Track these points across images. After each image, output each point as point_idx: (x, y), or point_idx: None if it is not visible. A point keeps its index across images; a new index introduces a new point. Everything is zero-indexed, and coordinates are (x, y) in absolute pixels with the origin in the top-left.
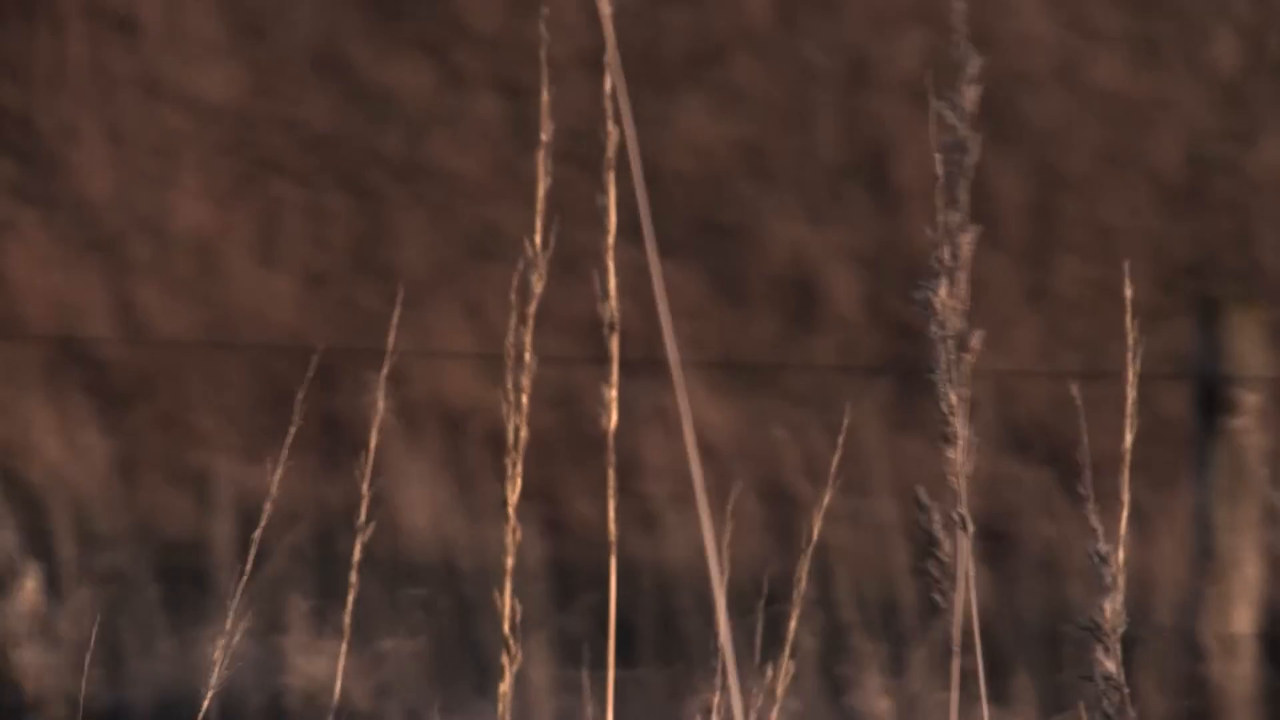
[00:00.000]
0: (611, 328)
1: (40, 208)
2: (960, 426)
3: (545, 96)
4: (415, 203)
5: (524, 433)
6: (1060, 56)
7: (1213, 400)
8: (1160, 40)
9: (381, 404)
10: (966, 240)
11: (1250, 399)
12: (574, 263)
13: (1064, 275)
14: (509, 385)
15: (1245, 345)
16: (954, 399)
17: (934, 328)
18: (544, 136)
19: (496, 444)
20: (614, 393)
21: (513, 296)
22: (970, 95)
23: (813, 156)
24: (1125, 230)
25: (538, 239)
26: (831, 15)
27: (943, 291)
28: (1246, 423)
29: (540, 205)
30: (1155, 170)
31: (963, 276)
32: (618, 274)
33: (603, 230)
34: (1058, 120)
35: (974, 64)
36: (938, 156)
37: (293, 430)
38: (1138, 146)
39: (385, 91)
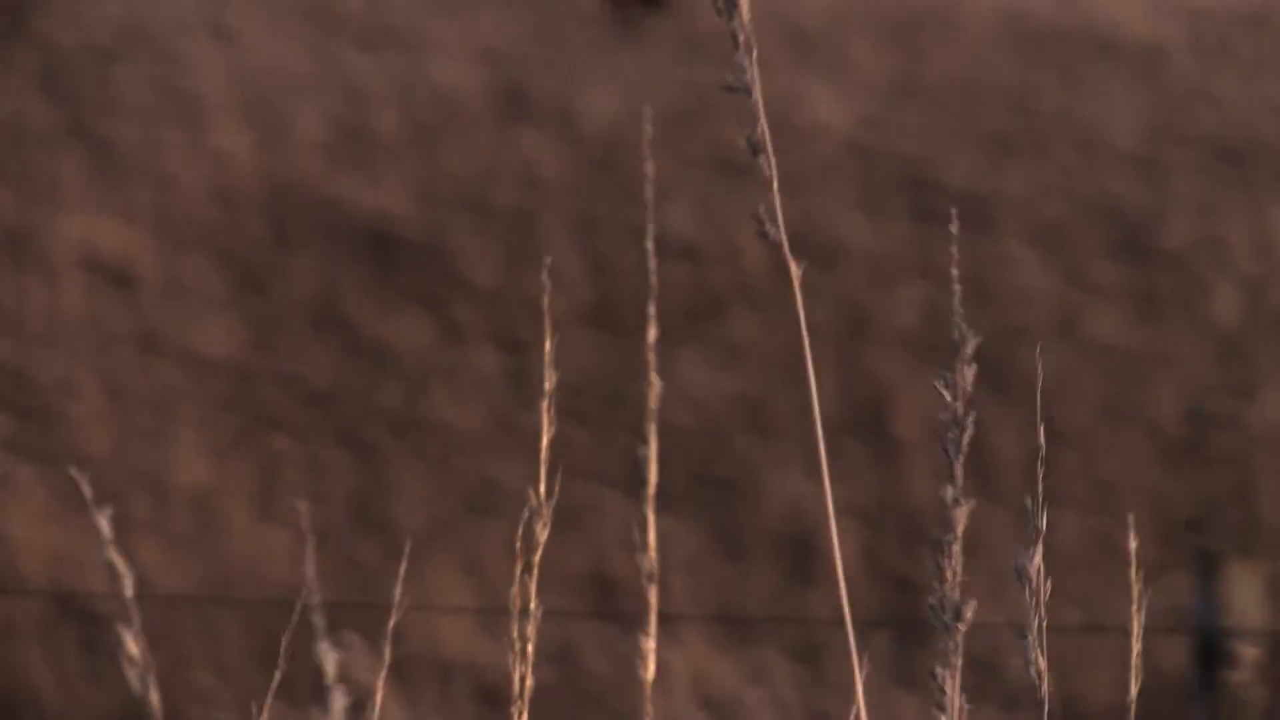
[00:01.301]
0: (650, 578)
1: (38, 463)
2: (954, 694)
3: (548, 345)
4: (414, 457)
5: (529, 682)
6: (1059, 310)
7: (1212, 654)
8: (1160, 294)
9: (385, 657)
10: (962, 514)
11: (1249, 653)
12: (571, 517)
13: (1063, 529)
14: (514, 635)
15: (1244, 599)
16: (946, 671)
17: (930, 599)
18: (547, 385)
19: (490, 699)
20: (652, 643)
21: (517, 545)
22: (967, 375)
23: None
24: (1125, 484)
25: (541, 488)
26: (831, 270)
27: (940, 561)
28: (1246, 677)
29: (544, 454)
30: (1155, 424)
31: (958, 549)
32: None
33: (641, 481)
34: (1057, 374)
35: (971, 343)
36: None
37: (277, 677)
38: (1137, 400)
39: (384, 346)
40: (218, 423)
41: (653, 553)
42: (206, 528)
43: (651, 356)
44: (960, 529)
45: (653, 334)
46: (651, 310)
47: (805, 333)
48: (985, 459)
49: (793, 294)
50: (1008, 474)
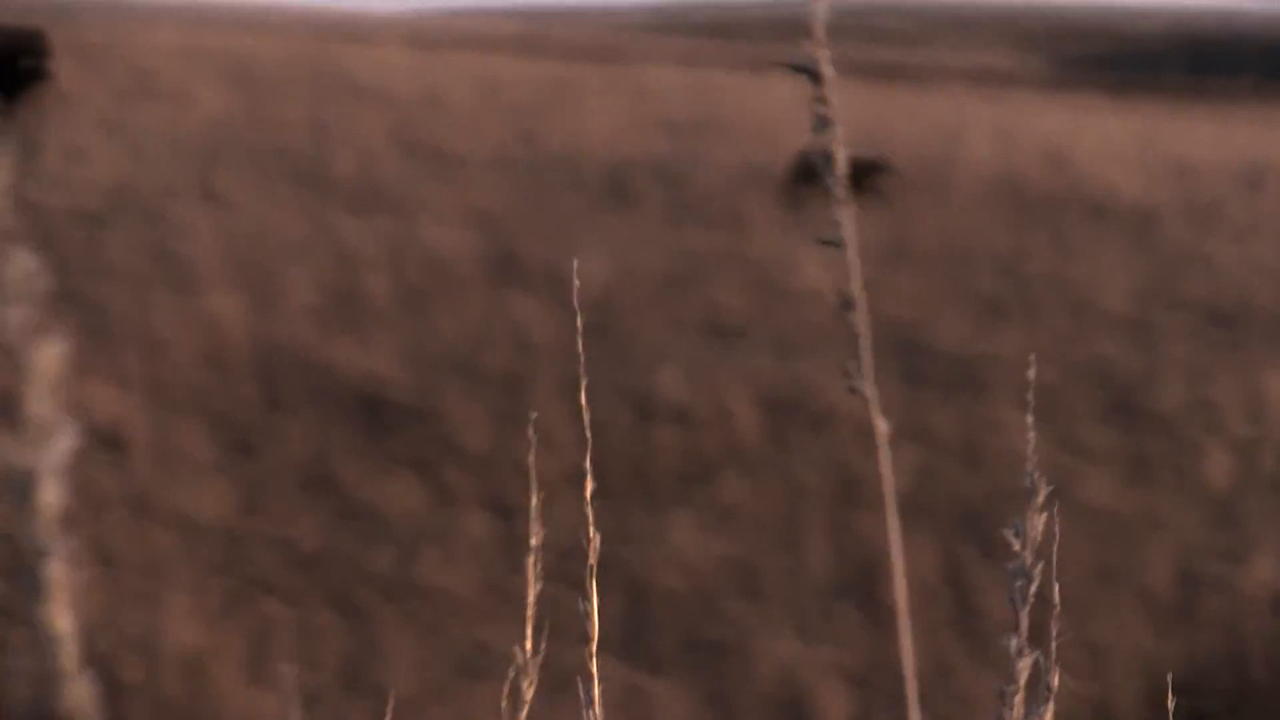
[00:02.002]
0: None
1: (28, 627)
2: None
3: (535, 500)
4: (405, 621)
5: None
6: (1050, 474)
7: None
8: (1151, 456)
9: None
10: (1026, 665)
11: None
12: (561, 680)
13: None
14: None
15: None
16: None
17: None
18: (534, 541)
19: None
20: None
21: (503, 704)
22: (1037, 525)
23: (803, 574)
24: (1116, 646)
25: (528, 645)
26: (821, 434)
27: (1002, 713)
28: None
29: (530, 610)
30: (1146, 587)
31: (1020, 699)
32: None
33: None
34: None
35: (1043, 492)
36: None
37: None
38: (1129, 563)
39: (375, 509)
40: (209, 586)
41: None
42: (197, 692)
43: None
44: (1024, 679)
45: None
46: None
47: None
48: (977, 622)
49: (879, 456)
50: (1001, 636)
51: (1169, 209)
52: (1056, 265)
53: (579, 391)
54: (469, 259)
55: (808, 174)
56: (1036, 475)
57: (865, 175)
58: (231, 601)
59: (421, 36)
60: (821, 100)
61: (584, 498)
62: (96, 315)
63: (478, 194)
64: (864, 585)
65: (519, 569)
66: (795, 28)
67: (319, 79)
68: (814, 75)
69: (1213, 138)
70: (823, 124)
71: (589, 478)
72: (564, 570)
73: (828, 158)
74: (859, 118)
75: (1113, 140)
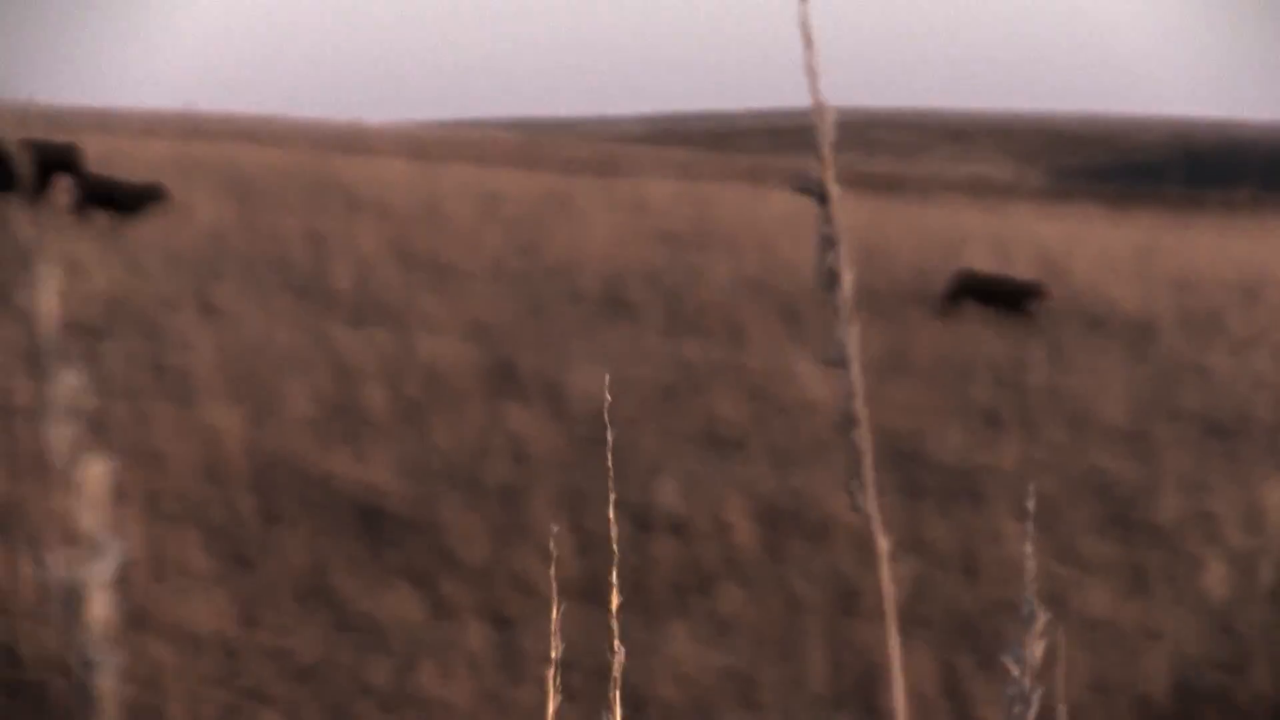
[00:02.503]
0: None
1: None
2: None
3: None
4: None
5: None
6: (1048, 585)
7: None
8: (1149, 568)
9: None
10: None
11: None
12: None
13: None
14: None
15: None
16: None
17: None
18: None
19: None
20: None
21: None
22: (1036, 651)
23: (801, 685)
24: None
25: None
26: (818, 545)
27: None
28: None
29: None
30: (1144, 698)
31: None
32: None
33: None
34: (1047, 648)
35: (1040, 620)
36: None
37: None
38: (1127, 674)
39: (373, 621)
40: (206, 698)
41: None
42: None
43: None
44: None
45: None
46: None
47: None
48: None
49: (879, 572)
50: None
51: (1167, 320)
52: (1055, 377)
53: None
54: (467, 371)
55: (963, 291)
56: (1035, 600)
57: (1021, 298)
58: (229, 714)
59: (419, 148)
60: (827, 220)
61: (599, 610)
62: (94, 428)
63: (476, 306)
64: (862, 696)
65: (517, 680)
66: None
67: (317, 190)
68: (820, 196)
69: (1211, 249)
70: (829, 244)
71: (615, 592)
72: (564, 681)
73: (833, 276)
74: (860, 230)
75: (1111, 251)
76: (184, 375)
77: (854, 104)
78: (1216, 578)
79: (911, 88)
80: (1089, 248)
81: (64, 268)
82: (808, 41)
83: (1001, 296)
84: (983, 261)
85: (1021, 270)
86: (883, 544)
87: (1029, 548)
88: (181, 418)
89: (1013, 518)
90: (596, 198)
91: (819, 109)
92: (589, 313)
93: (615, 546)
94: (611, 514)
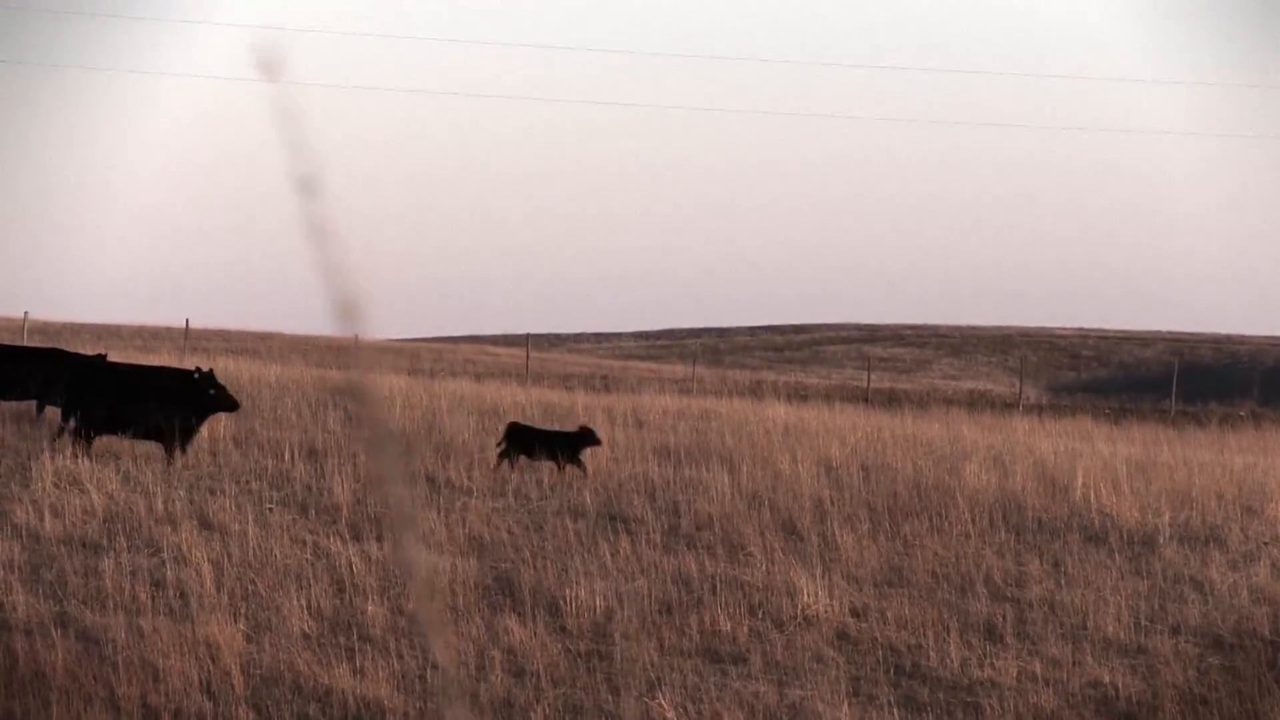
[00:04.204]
0: None
1: None
2: None
3: None
4: None
5: None
6: None
7: None
8: None
9: None
10: None
11: None
12: None
13: None
14: None
15: None
16: None
17: None
18: None
19: None
20: None
21: None
22: None
23: None
24: None
25: None
26: None
27: None
28: None
29: None
30: None
31: None
32: None
33: None
34: None
35: None
36: None
37: None
38: None
39: None
40: None
41: None
42: None
43: None
44: None
45: None
46: None
47: None
48: None
49: None
50: None
51: (1166, 535)
52: (1054, 590)
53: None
54: (466, 585)
55: None
56: None
57: None
58: None
59: (418, 364)
60: None
61: None
62: (91, 642)
63: (475, 521)
64: None
65: None
66: (788, 353)
67: (315, 405)
68: None
69: (1210, 463)
70: None
71: None
72: None
73: None
74: (859, 446)
75: (1110, 466)
76: (182, 590)
77: (853, 319)
78: None
79: (910, 303)
80: (1088, 462)
81: (60, 482)
82: None
83: None
84: (983, 476)
85: (1020, 486)
86: None
87: None
88: (179, 632)
89: None
90: (596, 412)
91: None
92: (588, 527)
93: None
94: None
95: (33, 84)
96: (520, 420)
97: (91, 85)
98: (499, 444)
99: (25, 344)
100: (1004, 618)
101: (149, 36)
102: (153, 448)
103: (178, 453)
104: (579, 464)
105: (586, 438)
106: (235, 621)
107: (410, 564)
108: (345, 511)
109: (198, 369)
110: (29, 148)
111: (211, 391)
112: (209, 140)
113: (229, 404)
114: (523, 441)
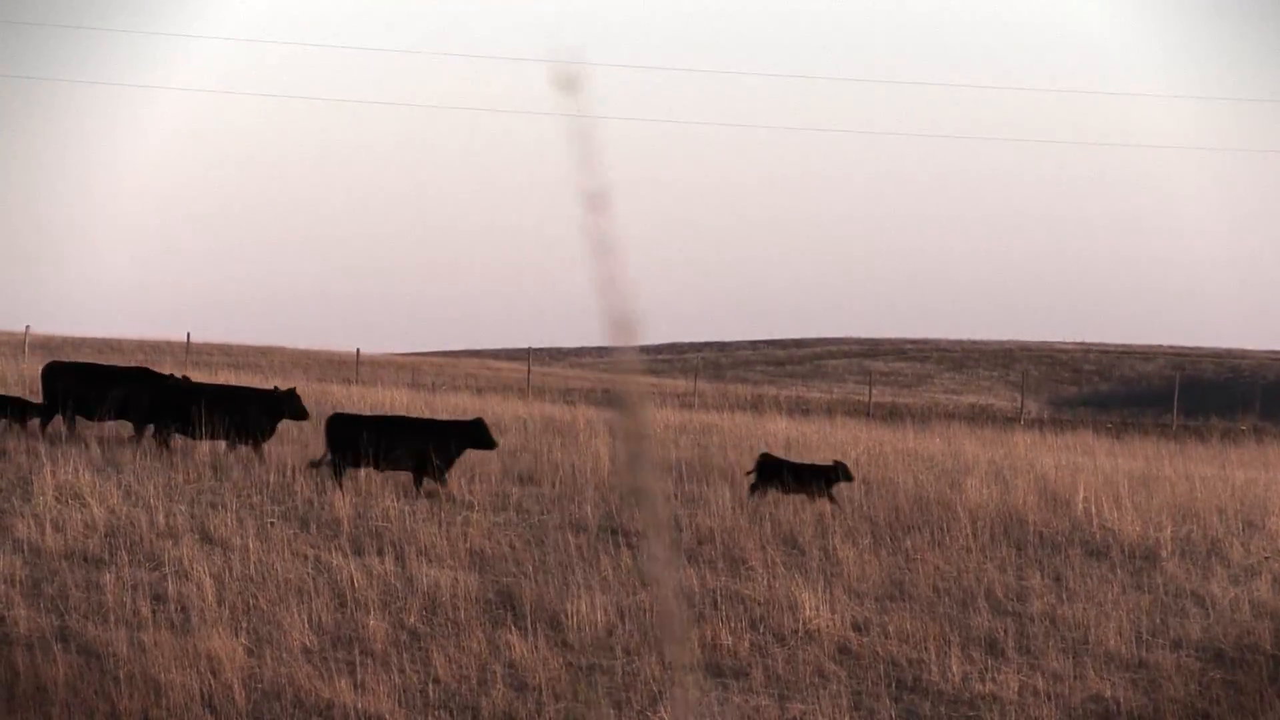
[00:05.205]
0: None
1: None
2: None
3: None
4: None
5: None
6: None
7: None
8: None
9: None
10: None
11: None
12: None
13: None
14: None
15: None
16: None
17: None
18: None
19: None
20: None
21: None
22: None
23: None
24: None
25: None
26: None
27: None
28: None
29: None
30: None
31: None
32: None
33: None
34: None
35: None
36: None
37: None
38: None
39: None
40: None
41: None
42: None
43: None
44: None
45: None
46: None
47: None
48: None
49: None
50: None
51: (1168, 549)
52: (1055, 605)
53: None
54: (468, 599)
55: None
56: None
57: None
58: None
59: (420, 378)
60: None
61: None
62: (92, 657)
63: (476, 535)
64: None
65: None
66: (789, 368)
67: (316, 419)
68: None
69: (1211, 478)
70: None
71: None
72: None
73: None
74: (861, 461)
75: (1111, 480)
76: (183, 604)
77: (854, 334)
78: None
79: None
80: (1089, 476)
81: (62, 496)
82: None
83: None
84: (984, 490)
85: (1022, 500)
86: None
87: None
88: (180, 646)
89: None
90: (596, 427)
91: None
92: (589, 541)
93: None
94: None
95: (33, 97)
96: (772, 452)
97: (92, 98)
98: (749, 473)
99: (114, 364)
100: (1005, 632)
101: (149, 50)
102: (154, 463)
103: (257, 452)
104: (832, 498)
105: (840, 471)
106: (236, 635)
107: (658, 576)
108: (346, 526)
109: (276, 387)
110: (30, 161)
111: (286, 406)
112: (209, 153)
113: (300, 415)
114: (774, 474)
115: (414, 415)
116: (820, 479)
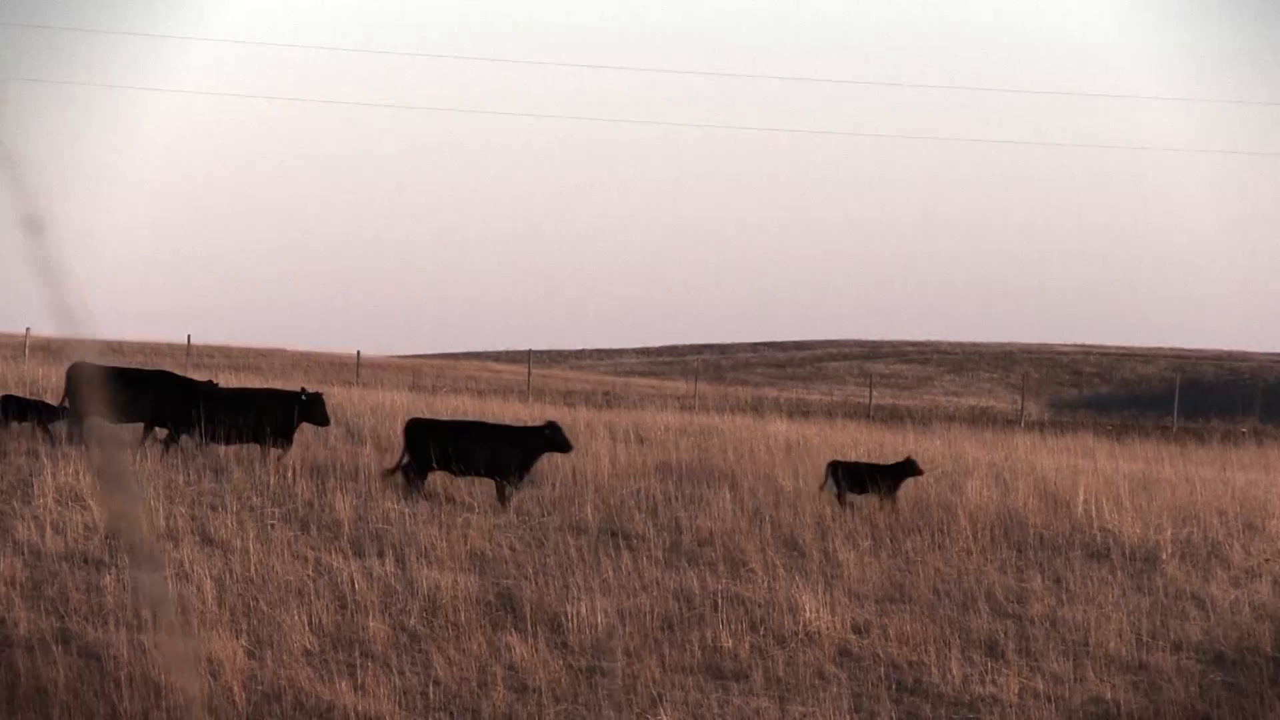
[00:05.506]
0: None
1: None
2: None
3: None
4: None
5: None
6: None
7: None
8: None
9: None
10: None
11: None
12: None
13: None
14: None
15: None
16: None
17: None
18: None
19: None
20: None
21: None
22: None
23: None
24: None
25: None
26: None
27: None
28: None
29: None
30: None
31: None
32: None
33: None
34: None
35: None
36: None
37: None
38: None
39: None
40: None
41: None
42: None
43: None
44: None
45: None
46: None
47: None
48: None
49: None
50: None
51: (1168, 551)
52: (1056, 607)
53: None
54: (468, 601)
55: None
56: None
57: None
58: None
59: (421, 380)
60: None
61: None
62: (92, 659)
63: (476, 537)
64: None
65: None
66: (789, 370)
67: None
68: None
69: (1212, 480)
70: None
71: None
72: None
73: None
74: (865, 460)
75: (1112, 482)
76: (184, 605)
77: (855, 336)
78: None
79: (912, 319)
80: (1090, 478)
81: (61, 498)
82: None
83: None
84: (984, 492)
85: (1022, 502)
86: None
87: None
88: (180, 648)
89: None
90: (598, 429)
91: None
92: (590, 543)
93: None
94: None
95: (35, 99)
96: (841, 459)
97: (93, 98)
98: (821, 486)
99: (138, 367)
100: (1006, 634)
101: (150, 52)
102: (154, 464)
103: (285, 454)
104: (892, 497)
105: (909, 467)
106: (237, 637)
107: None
108: (347, 527)
109: (303, 389)
110: (28, 162)
111: (309, 410)
112: (210, 155)
113: (322, 420)
114: (852, 478)
115: (490, 420)
116: (889, 477)
